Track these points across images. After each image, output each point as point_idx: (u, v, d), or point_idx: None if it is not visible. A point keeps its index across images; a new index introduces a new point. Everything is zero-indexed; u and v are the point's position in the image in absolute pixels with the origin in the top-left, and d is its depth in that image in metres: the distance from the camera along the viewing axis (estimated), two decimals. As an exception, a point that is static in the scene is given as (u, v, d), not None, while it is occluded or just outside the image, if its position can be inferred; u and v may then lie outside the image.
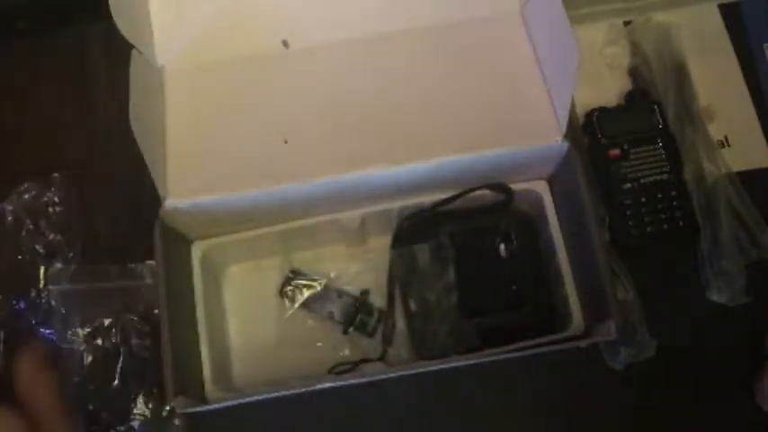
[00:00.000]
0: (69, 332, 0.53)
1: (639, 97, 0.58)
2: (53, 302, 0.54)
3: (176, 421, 0.52)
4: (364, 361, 0.51)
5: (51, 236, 0.57)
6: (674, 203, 0.55)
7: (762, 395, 0.51)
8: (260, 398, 0.45)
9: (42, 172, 0.59)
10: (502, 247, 0.52)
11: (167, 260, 0.45)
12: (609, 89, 0.60)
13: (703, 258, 0.55)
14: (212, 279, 0.52)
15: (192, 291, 0.49)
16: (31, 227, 0.57)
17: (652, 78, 0.59)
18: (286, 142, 0.47)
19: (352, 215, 0.50)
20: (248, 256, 0.54)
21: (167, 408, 0.52)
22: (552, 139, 0.46)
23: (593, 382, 0.53)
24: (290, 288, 0.53)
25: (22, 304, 0.55)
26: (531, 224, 0.53)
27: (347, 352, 0.52)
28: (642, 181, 0.55)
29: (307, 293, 0.52)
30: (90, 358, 0.53)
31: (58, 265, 0.56)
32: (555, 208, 0.51)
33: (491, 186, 0.50)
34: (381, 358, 0.51)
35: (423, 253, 0.51)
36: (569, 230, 0.49)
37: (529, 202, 0.52)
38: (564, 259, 0.49)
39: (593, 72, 0.60)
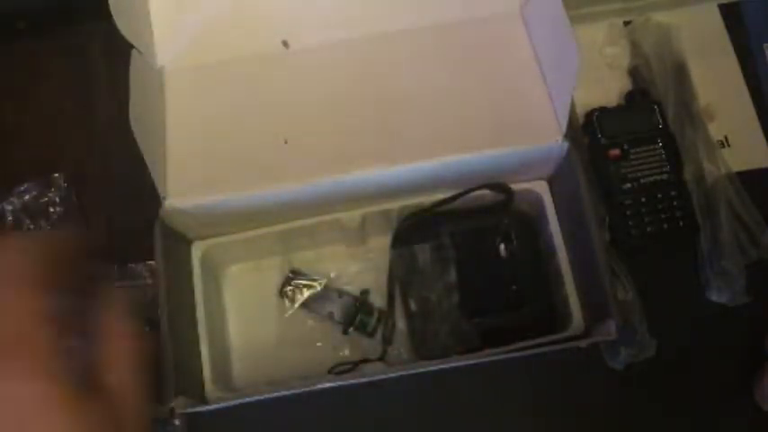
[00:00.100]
0: (69, 332, 0.53)
1: (639, 97, 0.58)
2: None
3: (176, 421, 0.52)
4: (364, 361, 0.51)
5: (51, 236, 0.57)
6: (674, 203, 0.55)
7: (762, 395, 0.51)
8: (260, 398, 0.45)
9: (42, 172, 0.59)
10: (502, 247, 0.52)
11: (167, 260, 0.45)
12: (609, 89, 0.60)
13: (703, 258, 0.55)
14: (212, 279, 0.52)
15: (192, 291, 0.49)
16: (31, 227, 0.57)
17: (652, 78, 0.59)
18: (286, 142, 0.47)
19: (352, 215, 0.50)
20: (248, 256, 0.54)
21: (167, 408, 0.52)
22: (552, 139, 0.46)
23: (593, 382, 0.53)
24: (290, 288, 0.53)
25: (21, 304, 0.55)
26: (531, 224, 0.53)
27: (347, 352, 0.52)
28: (642, 181, 0.55)
29: (307, 293, 0.52)
30: (90, 358, 0.53)
31: (58, 265, 0.55)
32: (555, 208, 0.51)
33: (491, 186, 0.50)
34: (381, 358, 0.51)
35: (423, 253, 0.51)
36: (569, 230, 0.49)
37: (529, 202, 0.52)
38: (564, 259, 0.49)
39: (593, 72, 0.60)
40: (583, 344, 0.45)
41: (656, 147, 0.56)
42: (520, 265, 0.52)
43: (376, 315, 0.52)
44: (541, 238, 0.52)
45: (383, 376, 0.46)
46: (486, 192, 0.50)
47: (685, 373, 0.53)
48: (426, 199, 0.50)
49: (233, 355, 0.52)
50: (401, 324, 0.52)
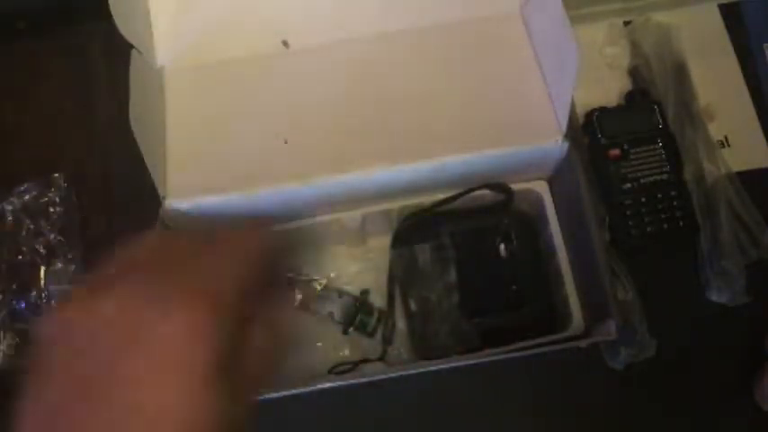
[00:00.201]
0: (69, 332, 0.53)
1: (639, 97, 0.58)
2: (53, 302, 0.54)
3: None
4: (364, 361, 0.51)
5: (51, 236, 0.57)
6: (674, 203, 0.55)
7: (762, 395, 0.51)
8: (260, 398, 0.45)
9: (42, 172, 0.59)
10: (502, 247, 0.52)
11: (167, 260, 0.45)
12: (609, 89, 0.60)
13: (703, 258, 0.55)
14: (212, 279, 0.52)
15: (192, 291, 0.49)
16: (31, 227, 0.57)
17: (652, 78, 0.59)
18: (286, 142, 0.47)
19: (352, 215, 0.50)
20: (248, 256, 0.54)
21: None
22: (552, 139, 0.46)
23: (593, 382, 0.53)
24: (289, 288, 0.53)
25: (22, 304, 0.55)
26: (531, 224, 0.53)
27: (347, 352, 0.52)
28: (642, 181, 0.55)
29: (307, 293, 0.52)
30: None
31: (59, 265, 0.56)
32: (555, 208, 0.51)
33: (491, 186, 0.50)
34: (381, 358, 0.51)
35: (423, 253, 0.51)
36: (569, 230, 0.49)
37: (529, 202, 0.52)
38: (564, 259, 0.49)
39: (593, 72, 0.60)
40: (583, 344, 0.45)
41: (656, 147, 0.56)
42: (520, 265, 0.52)
43: (376, 315, 0.52)
44: (541, 238, 0.52)
45: (383, 376, 0.46)
46: (486, 192, 0.50)
47: (685, 373, 0.53)
48: (426, 199, 0.50)
49: (233, 355, 0.52)
50: (401, 324, 0.52)
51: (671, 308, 0.54)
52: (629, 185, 0.55)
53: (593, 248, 0.45)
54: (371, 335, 0.52)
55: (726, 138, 0.59)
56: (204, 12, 0.50)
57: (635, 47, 0.61)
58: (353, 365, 0.50)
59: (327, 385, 0.44)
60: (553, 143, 0.46)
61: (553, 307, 0.51)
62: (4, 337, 0.54)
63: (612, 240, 0.55)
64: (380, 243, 0.53)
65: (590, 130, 0.57)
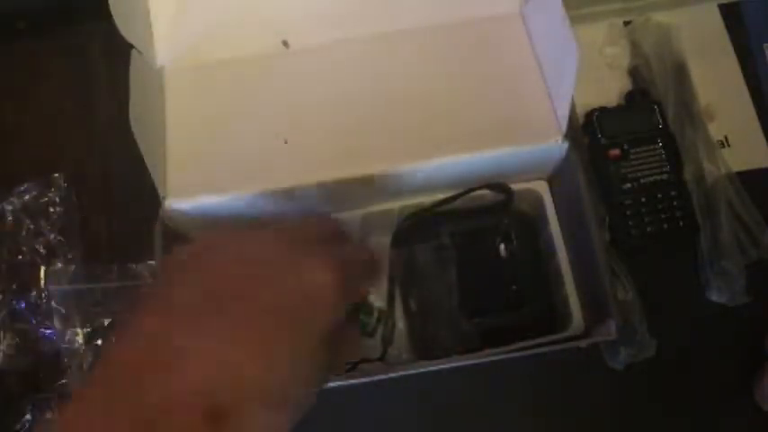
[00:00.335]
0: (69, 332, 0.53)
1: (639, 97, 0.58)
2: (53, 302, 0.54)
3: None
4: (364, 361, 0.50)
5: (51, 236, 0.57)
6: (674, 203, 0.55)
7: (762, 395, 0.52)
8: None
9: (42, 172, 0.59)
10: (502, 247, 0.52)
11: (167, 260, 0.45)
12: (609, 89, 0.60)
13: (703, 258, 0.55)
14: (212, 279, 0.52)
15: (192, 291, 0.49)
16: (31, 227, 0.57)
17: (652, 78, 0.59)
18: (286, 142, 0.47)
19: (352, 215, 0.50)
20: (248, 256, 0.54)
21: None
22: (552, 139, 0.46)
23: (593, 382, 0.53)
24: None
25: (22, 304, 0.55)
26: (531, 224, 0.53)
27: (347, 352, 0.52)
28: (642, 181, 0.55)
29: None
30: (90, 358, 0.53)
31: (59, 265, 0.56)
32: (555, 208, 0.51)
33: (491, 186, 0.50)
34: (381, 358, 0.51)
35: (423, 253, 0.51)
36: (569, 230, 0.49)
37: (529, 202, 0.52)
38: (564, 259, 0.49)
39: (593, 72, 0.60)
40: (583, 344, 0.45)
41: (656, 147, 0.56)
42: (520, 265, 0.52)
43: (376, 315, 0.52)
44: (541, 238, 0.52)
45: (383, 376, 0.46)
46: (485, 192, 0.50)
47: (685, 373, 0.53)
48: (426, 199, 0.50)
49: (233, 355, 0.52)
50: (401, 324, 0.52)
51: (671, 308, 0.54)
52: (629, 185, 0.55)
53: (593, 248, 0.45)
54: (371, 335, 0.52)
55: (726, 138, 0.59)
56: (204, 12, 0.50)
57: (635, 47, 0.61)
58: (353, 365, 0.50)
59: (327, 385, 0.44)
60: (553, 143, 0.46)
61: (553, 307, 0.51)
62: (4, 337, 0.54)
63: (612, 240, 0.55)
64: (380, 243, 0.53)
65: (590, 130, 0.57)
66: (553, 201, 0.51)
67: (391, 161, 0.46)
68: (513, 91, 0.48)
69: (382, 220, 0.52)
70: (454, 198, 0.50)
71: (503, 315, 0.51)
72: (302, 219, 0.36)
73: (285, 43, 0.50)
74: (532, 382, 0.53)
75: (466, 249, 0.52)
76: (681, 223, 0.54)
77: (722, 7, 0.63)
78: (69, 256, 0.56)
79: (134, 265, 0.55)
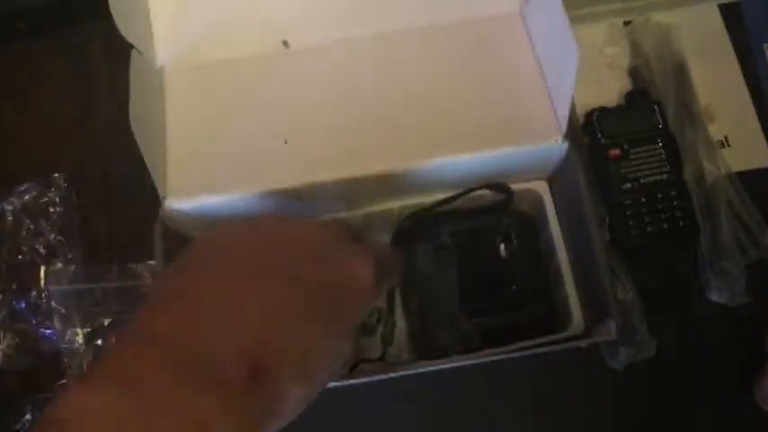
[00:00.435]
0: (69, 332, 0.53)
1: (639, 97, 0.58)
2: (53, 302, 0.54)
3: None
4: (364, 361, 0.51)
5: (51, 236, 0.57)
6: (674, 203, 0.55)
7: (762, 395, 0.52)
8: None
9: (42, 172, 0.59)
10: (502, 247, 0.52)
11: (167, 260, 0.45)
12: (609, 89, 0.60)
13: (703, 258, 0.55)
14: (212, 279, 0.52)
15: (192, 291, 0.49)
16: (31, 227, 0.57)
17: (652, 78, 0.59)
18: (286, 142, 0.47)
19: (352, 215, 0.50)
20: (248, 256, 0.54)
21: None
22: (552, 139, 0.46)
23: (593, 382, 0.53)
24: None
25: (22, 304, 0.55)
26: (531, 224, 0.53)
27: (347, 352, 0.52)
28: (642, 181, 0.55)
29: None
30: (90, 358, 0.53)
31: (59, 265, 0.56)
32: (555, 208, 0.51)
33: (491, 186, 0.50)
34: (381, 358, 0.51)
35: (423, 253, 0.51)
36: (569, 230, 0.49)
37: (529, 202, 0.52)
38: (564, 259, 0.49)
39: (593, 72, 0.60)
40: (583, 344, 0.45)
41: (656, 147, 0.56)
42: (520, 265, 0.52)
43: (376, 315, 0.52)
44: (541, 238, 0.52)
45: (383, 376, 0.46)
46: (485, 192, 0.50)
47: (685, 373, 0.53)
48: (426, 199, 0.50)
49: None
50: (401, 324, 0.52)
51: (671, 308, 0.54)
52: (629, 185, 0.55)
53: (593, 248, 0.45)
54: (371, 335, 0.52)
55: (726, 138, 0.59)
56: (204, 12, 0.50)
57: (635, 47, 0.61)
58: (353, 365, 0.50)
59: (327, 385, 0.44)
60: (553, 143, 0.46)
61: (553, 307, 0.51)
62: (4, 337, 0.54)
63: (612, 240, 0.55)
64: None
65: (590, 130, 0.57)
66: (553, 201, 0.51)
67: (391, 161, 0.46)
68: (513, 91, 0.48)
69: (382, 220, 0.52)
70: (454, 198, 0.50)
71: (503, 315, 0.51)
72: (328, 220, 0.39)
73: (285, 43, 0.50)
74: (532, 382, 0.53)
75: (466, 249, 0.52)
76: (681, 223, 0.54)
77: (722, 7, 0.63)
78: (69, 256, 0.56)
79: (134, 265, 0.55)
